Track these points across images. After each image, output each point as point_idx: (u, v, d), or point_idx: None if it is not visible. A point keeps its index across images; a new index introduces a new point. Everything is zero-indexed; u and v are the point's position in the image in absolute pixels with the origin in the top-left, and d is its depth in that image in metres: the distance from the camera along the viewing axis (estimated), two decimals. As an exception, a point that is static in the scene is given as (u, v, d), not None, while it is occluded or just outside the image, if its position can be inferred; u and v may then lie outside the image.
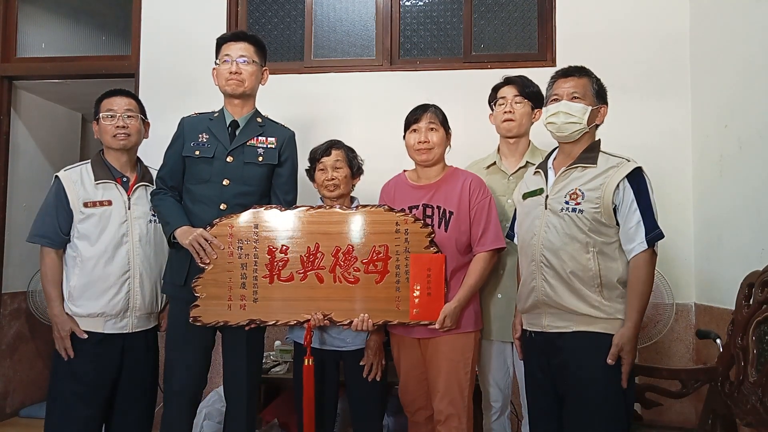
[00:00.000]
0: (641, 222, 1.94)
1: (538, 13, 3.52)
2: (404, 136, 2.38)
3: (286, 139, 2.45)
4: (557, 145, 2.18)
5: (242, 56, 2.38)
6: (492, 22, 3.58)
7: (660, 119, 3.27)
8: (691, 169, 3.24)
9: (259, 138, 2.40)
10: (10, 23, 3.90)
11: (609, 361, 1.92)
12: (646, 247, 1.94)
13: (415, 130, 2.33)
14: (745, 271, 2.27)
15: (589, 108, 2.04)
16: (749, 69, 2.69)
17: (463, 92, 3.21)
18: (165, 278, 2.42)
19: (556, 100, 2.08)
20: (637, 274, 1.95)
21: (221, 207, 2.32)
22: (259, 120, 2.46)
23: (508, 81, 2.51)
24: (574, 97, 2.05)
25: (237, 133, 2.40)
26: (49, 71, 3.92)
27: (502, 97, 2.48)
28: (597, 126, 2.11)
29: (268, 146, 2.40)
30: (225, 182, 2.35)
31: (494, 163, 2.53)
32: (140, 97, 3.45)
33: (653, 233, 1.94)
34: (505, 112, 2.45)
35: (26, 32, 3.97)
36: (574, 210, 2.00)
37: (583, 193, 2.00)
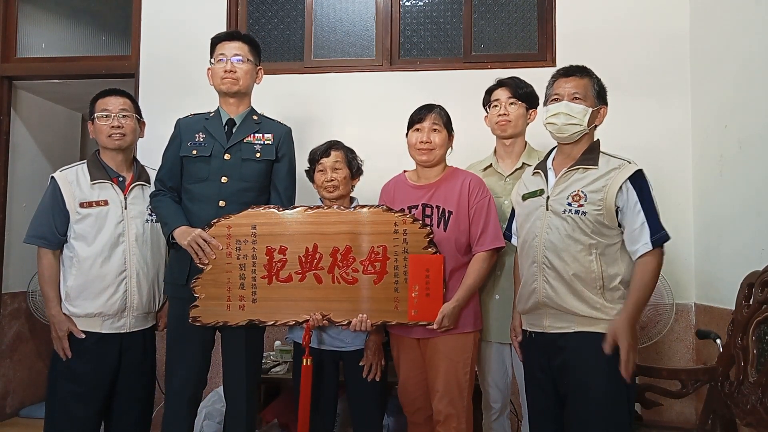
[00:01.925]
0: (645, 223, 1.93)
1: (538, 13, 3.51)
2: (407, 134, 2.37)
3: (283, 134, 2.46)
4: (555, 145, 2.17)
5: (236, 55, 2.39)
6: (492, 22, 3.57)
7: (660, 119, 3.26)
8: (691, 169, 3.23)
9: (256, 135, 2.41)
10: (10, 23, 3.90)
11: (606, 350, 1.90)
12: (651, 248, 1.92)
13: (418, 129, 2.32)
14: (745, 271, 2.27)
15: (590, 110, 2.03)
16: (749, 69, 2.69)
17: (463, 92, 3.20)
18: (166, 279, 2.43)
19: (556, 99, 2.06)
20: (640, 274, 1.94)
21: (220, 204, 2.33)
22: (255, 117, 2.46)
23: (500, 83, 2.50)
24: (575, 97, 2.03)
25: (234, 130, 2.41)
26: (49, 71, 3.92)
27: (496, 100, 2.47)
28: (596, 126, 2.10)
29: (265, 142, 2.40)
30: (223, 180, 2.35)
31: (491, 165, 2.53)
32: (140, 97, 3.49)
33: (658, 235, 1.93)
34: (500, 115, 2.44)
35: (26, 32, 3.97)
36: (576, 212, 1.99)
37: (585, 194, 1.99)
